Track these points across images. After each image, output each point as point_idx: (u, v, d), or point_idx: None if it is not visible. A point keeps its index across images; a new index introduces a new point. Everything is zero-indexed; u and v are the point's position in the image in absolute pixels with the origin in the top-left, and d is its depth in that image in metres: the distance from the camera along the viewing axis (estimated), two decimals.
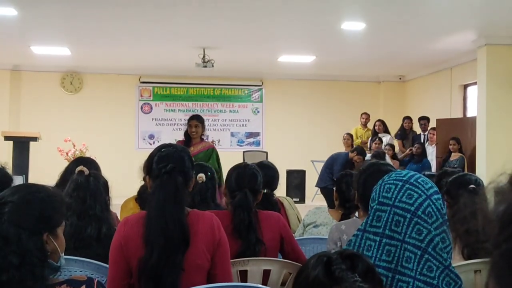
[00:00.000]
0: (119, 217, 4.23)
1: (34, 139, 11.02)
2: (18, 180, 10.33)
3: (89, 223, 3.19)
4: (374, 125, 12.80)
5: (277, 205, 4.25)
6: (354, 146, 11.46)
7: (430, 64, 13.13)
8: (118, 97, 14.38)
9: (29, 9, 8.69)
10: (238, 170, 3.48)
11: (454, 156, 10.84)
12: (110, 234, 2.97)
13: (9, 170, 3.80)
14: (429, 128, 12.09)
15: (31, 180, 10.83)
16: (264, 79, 15.07)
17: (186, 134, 7.38)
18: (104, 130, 13.71)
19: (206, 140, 7.62)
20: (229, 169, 3.59)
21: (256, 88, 15.14)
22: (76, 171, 3.32)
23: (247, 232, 3.26)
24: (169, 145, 2.85)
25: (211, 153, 7.25)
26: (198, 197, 3.86)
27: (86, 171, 3.31)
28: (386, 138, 12.36)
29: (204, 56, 11.45)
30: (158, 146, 2.84)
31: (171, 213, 2.57)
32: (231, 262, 2.81)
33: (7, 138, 11.12)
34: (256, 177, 3.45)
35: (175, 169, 2.65)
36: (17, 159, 10.65)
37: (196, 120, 7.36)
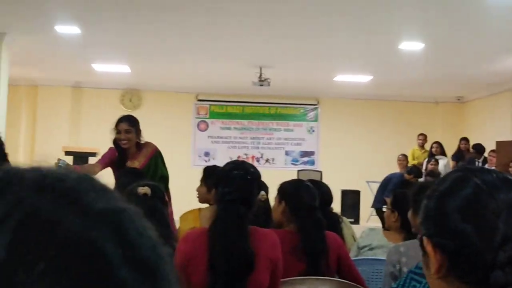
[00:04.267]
0: (177, 229, 4.28)
1: (93, 154, 11.26)
2: None
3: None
4: (431, 147, 12.61)
5: (339, 223, 4.21)
6: (409, 167, 11.32)
7: (490, 85, 12.87)
8: (175, 114, 14.58)
9: (92, 28, 8.93)
10: (305, 188, 3.37)
11: None
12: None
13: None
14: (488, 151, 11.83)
15: None
16: (319, 98, 15.04)
17: (116, 143, 5.29)
18: (161, 146, 13.82)
19: (143, 143, 5.45)
20: (281, 183, 3.50)
21: (312, 107, 15.12)
22: (139, 192, 3.23)
23: (318, 255, 3.16)
24: (241, 166, 2.82)
25: (156, 160, 5.41)
26: (262, 217, 3.78)
27: (149, 192, 3.24)
28: (443, 161, 12.14)
29: (260, 75, 11.52)
30: (231, 164, 2.82)
31: (235, 242, 2.58)
32: (288, 280, 2.81)
33: (67, 153, 11.41)
34: (316, 195, 3.41)
35: (239, 198, 2.65)
36: None
37: (126, 123, 5.27)
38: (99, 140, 13.44)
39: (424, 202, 1.25)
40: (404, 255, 3.10)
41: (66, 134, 13.92)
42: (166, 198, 3.63)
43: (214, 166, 4.41)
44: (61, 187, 0.50)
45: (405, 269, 3.01)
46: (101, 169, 5.25)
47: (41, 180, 0.50)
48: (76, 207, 0.49)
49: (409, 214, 3.29)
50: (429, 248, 1.18)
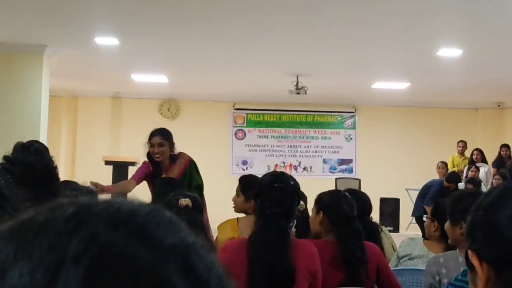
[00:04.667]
0: (214, 239, 4.29)
1: (133, 164, 11.37)
2: None
3: None
4: (472, 154, 12.43)
5: (378, 232, 4.19)
6: (447, 173, 11.18)
7: None
8: (213, 123, 14.66)
9: (130, 39, 9.06)
10: (343, 198, 3.37)
11: None
12: None
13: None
14: None
15: None
16: (357, 106, 14.97)
17: (150, 157, 5.33)
18: (199, 155, 13.80)
19: (177, 154, 5.41)
20: (319, 194, 3.48)
21: (349, 114, 15.06)
22: (181, 204, 3.25)
23: (357, 265, 3.15)
24: (281, 178, 2.83)
25: (191, 169, 5.35)
26: (301, 227, 3.77)
27: (190, 204, 3.26)
28: (484, 168, 11.97)
29: (297, 83, 11.52)
30: (270, 176, 2.84)
31: (277, 256, 2.60)
32: None
33: (107, 162, 11.55)
34: (354, 205, 3.41)
35: (280, 212, 2.67)
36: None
37: (159, 137, 5.29)
38: (138, 150, 13.57)
39: (470, 216, 1.23)
40: (444, 266, 3.07)
41: (106, 144, 14.09)
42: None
43: (250, 176, 4.41)
44: (133, 222, 0.52)
45: (445, 281, 2.97)
46: (136, 185, 5.31)
47: (114, 215, 0.52)
48: (148, 242, 0.50)
49: (446, 225, 3.25)
50: (475, 261, 1.17)
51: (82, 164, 13.74)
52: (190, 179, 5.30)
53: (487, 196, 1.22)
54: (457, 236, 3.11)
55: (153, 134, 5.32)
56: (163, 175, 5.25)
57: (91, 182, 5.03)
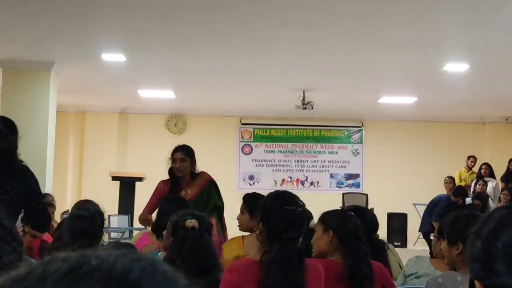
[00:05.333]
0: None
1: (140, 179, 11.41)
2: (123, 220, 10.71)
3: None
4: (480, 168, 12.38)
5: (384, 250, 4.17)
6: (455, 188, 11.13)
7: None
8: (220, 138, 14.68)
9: (137, 55, 9.10)
10: (350, 218, 3.36)
11: None
12: None
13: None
14: None
15: (136, 219, 11.17)
16: (364, 120, 14.96)
17: (172, 172, 5.43)
18: (206, 170, 13.90)
19: (198, 172, 5.51)
20: (324, 213, 3.45)
21: (356, 129, 15.05)
22: (187, 225, 3.20)
23: (363, 283, 3.15)
24: (290, 200, 2.82)
25: (210, 189, 5.48)
26: (307, 245, 3.75)
27: (197, 225, 3.21)
28: (491, 183, 11.91)
29: (304, 98, 11.53)
30: (279, 198, 2.81)
31: (295, 280, 2.60)
32: None
33: (114, 178, 11.57)
34: (360, 225, 3.39)
35: (297, 236, 2.68)
36: (123, 199, 11.05)
37: (181, 152, 5.40)
38: (146, 165, 13.67)
39: (470, 240, 1.21)
40: (444, 286, 3.05)
41: (113, 159, 14.12)
42: (216, 229, 3.64)
43: (255, 193, 4.40)
44: (125, 280, 0.52)
45: None
46: (152, 212, 5.25)
47: (108, 273, 0.52)
48: None
49: (443, 245, 3.23)
50: (478, 287, 1.15)
51: (89, 180, 13.77)
52: (208, 198, 5.39)
53: (487, 221, 1.20)
54: (453, 257, 3.10)
55: (176, 149, 5.44)
56: (182, 192, 5.32)
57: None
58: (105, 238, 5.29)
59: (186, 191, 5.34)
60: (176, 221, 3.26)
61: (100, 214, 3.92)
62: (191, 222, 3.17)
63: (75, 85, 11.48)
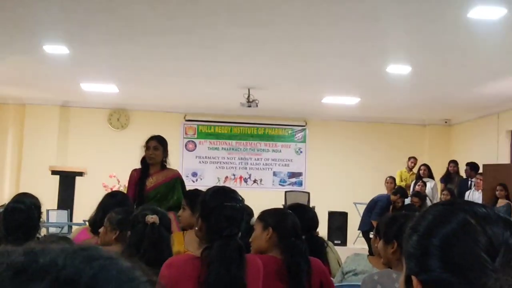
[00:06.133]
0: None
1: (80, 174, 11.23)
2: (62, 215, 10.53)
3: None
4: (419, 169, 12.65)
5: (324, 247, 4.22)
6: (395, 188, 11.35)
7: (477, 109, 12.98)
8: (163, 134, 14.23)
9: (80, 48, 8.94)
10: (289, 216, 3.40)
11: (501, 202, 10.61)
12: None
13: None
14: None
15: (75, 215, 10.99)
16: (307, 120, 15.09)
17: (144, 160, 5.70)
18: None
19: (169, 168, 5.79)
20: (264, 211, 3.49)
21: (300, 128, 15.16)
22: (147, 220, 3.17)
23: (301, 279, 3.19)
24: (231, 196, 2.82)
25: (174, 184, 5.66)
26: (246, 240, 3.75)
27: (157, 221, 3.19)
28: (430, 183, 12.18)
29: (248, 96, 11.55)
30: (219, 194, 2.81)
31: (235, 275, 2.62)
32: None
33: (54, 172, 11.36)
34: (298, 223, 3.42)
35: (237, 232, 2.69)
36: (62, 194, 10.86)
37: (155, 141, 5.72)
38: (87, 160, 13.47)
39: (407, 234, 1.21)
40: (379, 283, 3.11)
41: (53, 153, 13.84)
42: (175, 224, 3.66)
43: (196, 190, 4.39)
44: (76, 283, 0.50)
45: None
46: (134, 203, 5.20)
47: (58, 275, 0.50)
48: None
49: (380, 245, 3.30)
50: (415, 282, 1.16)
51: (28, 173, 13.45)
52: (167, 192, 5.56)
53: (423, 217, 1.20)
54: (389, 255, 3.18)
55: (151, 138, 5.75)
56: (148, 179, 5.55)
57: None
58: (43, 233, 5.17)
59: (152, 179, 5.57)
60: (136, 216, 3.23)
61: (37, 207, 3.84)
62: (152, 218, 3.15)
63: (15, 76, 11.20)
